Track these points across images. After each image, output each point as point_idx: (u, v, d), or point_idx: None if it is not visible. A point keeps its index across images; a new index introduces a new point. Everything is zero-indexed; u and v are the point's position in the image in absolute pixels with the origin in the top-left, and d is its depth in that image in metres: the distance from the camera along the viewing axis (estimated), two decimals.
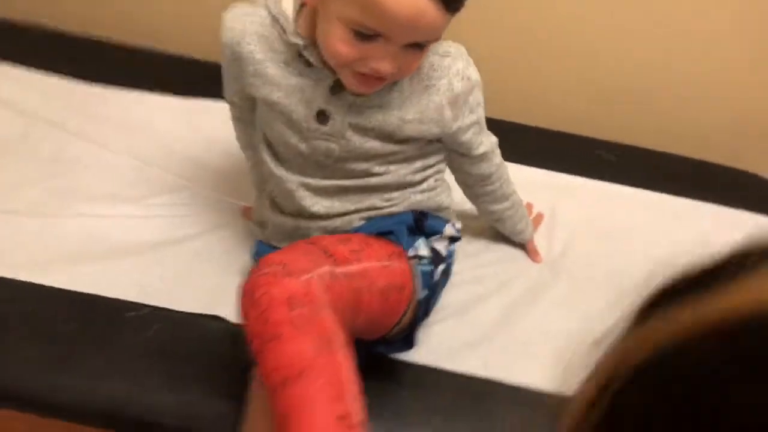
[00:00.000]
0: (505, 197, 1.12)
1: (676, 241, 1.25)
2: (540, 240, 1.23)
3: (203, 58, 1.50)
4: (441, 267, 1.00)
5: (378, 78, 0.83)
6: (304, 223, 0.99)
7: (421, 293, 0.96)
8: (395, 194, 0.99)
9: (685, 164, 1.51)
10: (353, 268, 0.82)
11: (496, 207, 1.12)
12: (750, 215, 1.36)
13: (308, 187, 0.97)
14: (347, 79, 0.84)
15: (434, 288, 1.01)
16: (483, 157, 1.02)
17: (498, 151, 1.05)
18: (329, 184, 0.97)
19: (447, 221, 1.04)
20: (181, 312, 1.03)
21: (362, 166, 0.95)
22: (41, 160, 1.24)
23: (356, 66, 0.81)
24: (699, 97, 1.57)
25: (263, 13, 0.91)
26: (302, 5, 0.87)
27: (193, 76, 1.48)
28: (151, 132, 1.34)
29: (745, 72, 1.54)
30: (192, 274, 1.09)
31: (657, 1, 1.47)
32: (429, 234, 1.01)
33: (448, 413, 0.97)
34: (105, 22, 1.59)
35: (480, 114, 0.98)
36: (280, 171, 0.98)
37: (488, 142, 1.02)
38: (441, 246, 1.01)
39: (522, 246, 1.22)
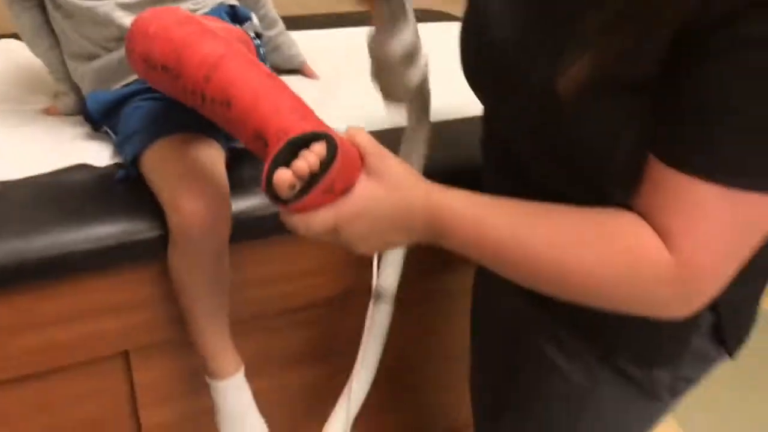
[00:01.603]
0: (276, 21, 1.36)
1: None
2: None
3: None
4: (262, 46, 1.18)
5: None
6: None
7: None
8: None
9: None
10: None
11: (272, 32, 1.35)
12: None
13: (123, 6, 1.07)
14: None
15: (263, 61, 1.19)
16: None
17: None
18: None
19: (251, 11, 1.21)
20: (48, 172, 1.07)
21: None
22: None
23: None
24: None
25: None
26: None
27: None
28: None
29: None
30: (33, 149, 1.12)
31: None
32: (242, 22, 1.17)
33: None
34: None
35: None
36: (90, 2, 1.06)
37: None
38: (251, 33, 1.16)
39: (297, 71, 1.46)
